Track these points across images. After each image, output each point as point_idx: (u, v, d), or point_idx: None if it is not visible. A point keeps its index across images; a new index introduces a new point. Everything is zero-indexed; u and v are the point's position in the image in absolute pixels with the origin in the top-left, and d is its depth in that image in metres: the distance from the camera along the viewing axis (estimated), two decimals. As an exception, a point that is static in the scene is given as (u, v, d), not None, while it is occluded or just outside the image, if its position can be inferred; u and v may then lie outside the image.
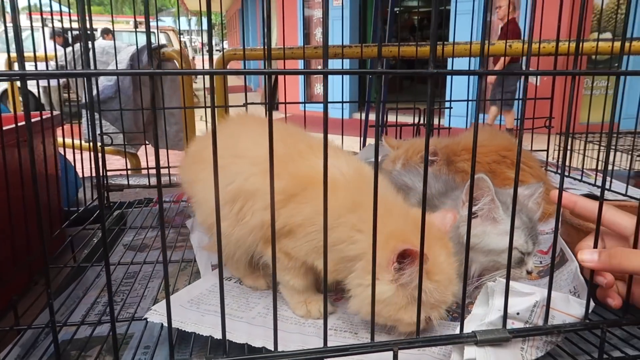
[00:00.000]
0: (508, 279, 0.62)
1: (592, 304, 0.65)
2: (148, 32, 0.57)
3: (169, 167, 1.45)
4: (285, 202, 0.72)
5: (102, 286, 0.96)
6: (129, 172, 1.56)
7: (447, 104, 1.76)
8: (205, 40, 0.48)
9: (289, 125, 0.89)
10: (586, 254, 0.64)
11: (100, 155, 1.38)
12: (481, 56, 0.55)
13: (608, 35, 5.52)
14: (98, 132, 1.45)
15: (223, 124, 0.97)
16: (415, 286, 0.62)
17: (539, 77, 0.71)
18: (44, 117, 1.05)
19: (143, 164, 2.42)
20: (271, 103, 0.50)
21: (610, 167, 1.85)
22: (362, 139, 2.14)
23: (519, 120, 0.64)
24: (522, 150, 1.38)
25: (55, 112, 1.14)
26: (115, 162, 1.43)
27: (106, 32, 5.87)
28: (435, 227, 0.72)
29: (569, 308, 0.65)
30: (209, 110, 1.69)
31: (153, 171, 1.61)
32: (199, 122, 2.35)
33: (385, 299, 0.67)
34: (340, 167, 0.74)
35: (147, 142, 1.67)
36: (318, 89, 7.65)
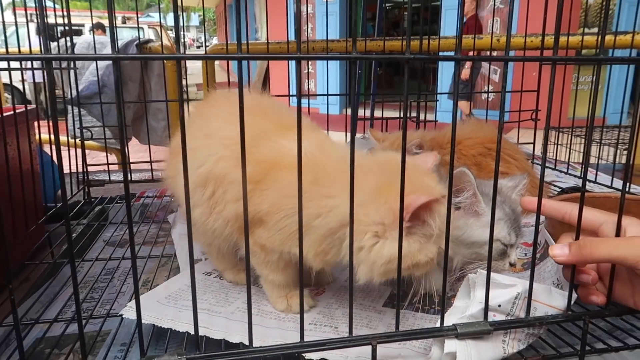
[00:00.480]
0: (489, 270, 0.61)
1: (574, 295, 0.64)
2: (138, 26, 0.55)
3: (150, 162, 1.42)
4: (252, 191, 0.68)
5: (79, 282, 0.93)
6: (115, 167, 1.54)
7: (431, 98, 1.74)
8: (195, 36, 0.47)
9: (266, 99, 0.84)
10: (556, 249, 0.63)
11: (81, 150, 1.35)
12: (458, 43, 0.54)
13: (595, 30, 5.57)
14: (79, 126, 1.42)
15: (202, 103, 0.94)
16: (424, 226, 0.61)
17: (498, 72, 0.70)
18: (17, 111, 1.02)
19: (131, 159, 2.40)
20: (240, 91, 0.48)
21: (596, 161, 1.85)
22: (346, 132, 2.12)
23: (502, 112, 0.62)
24: (508, 143, 1.38)
25: (30, 107, 1.11)
26: (102, 159, 1.40)
27: (97, 28, 5.78)
28: (421, 167, 0.70)
29: (551, 300, 0.64)
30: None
31: (134, 166, 1.58)
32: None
33: (405, 254, 0.62)
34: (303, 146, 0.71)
35: (129, 138, 1.64)
36: (310, 84, 7.63)
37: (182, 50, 0.49)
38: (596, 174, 1.41)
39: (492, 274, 0.62)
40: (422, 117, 1.60)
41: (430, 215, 0.62)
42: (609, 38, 1.67)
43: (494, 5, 5.92)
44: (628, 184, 1.26)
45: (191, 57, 0.51)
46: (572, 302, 0.64)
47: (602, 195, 1.01)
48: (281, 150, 0.70)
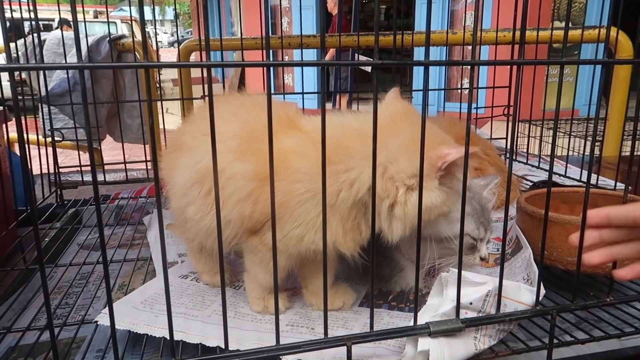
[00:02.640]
0: (460, 268, 0.62)
1: (542, 290, 0.66)
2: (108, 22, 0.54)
3: (125, 163, 1.40)
4: (260, 188, 0.67)
5: (53, 288, 0.92)
6: (89, 167, 1.51)
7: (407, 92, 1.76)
8: (170, 30, 0.46)
9: (262, 97, 0.84)
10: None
11: (52, 152, 1.32)
12: (427, 45, 0.55)
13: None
14: (53, 126, 1.39)
15: (202, 105, 0.93)
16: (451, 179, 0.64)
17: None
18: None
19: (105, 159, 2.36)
20: (210, 98, 0.48)
21: (566, 153, 1.90)
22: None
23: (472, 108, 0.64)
24: (481, 140, 1.40)
25: (-2, 108, 1.08)
26: (76, 158, 1.36)
27: (63, 23, 5.65)
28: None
29: (521, 296, 0.66)
30: (173, 103, 1.65)
31: (108, 167, 1.56)
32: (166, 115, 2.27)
33: (437, 204, 0.65)
34: (305, 129, 0.71)
35: (101, 138, 1.61)
36: (287, 79, 7.59)
37: (153, 56, 0.49)
38: (566, 167, 1.45)
39: (464, 273, 0.64)
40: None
41: (457, 169, 0.65)
42: (577, 33, 1.71)
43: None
44: (596, 177, 1.30)
45: (157, 65, 0.51)
46: (541, 297, 0.66)
47: (570, 190, 1.04)
48: (285, 142, 0.68)
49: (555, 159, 1.60)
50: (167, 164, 0.82)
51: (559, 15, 5.54)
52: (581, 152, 2.64)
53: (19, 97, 1.30)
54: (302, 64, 0.53)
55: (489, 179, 0.86)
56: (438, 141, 0.66)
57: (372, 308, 0.60)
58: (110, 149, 2.61)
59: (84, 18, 1.78)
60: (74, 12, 0.45)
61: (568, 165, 1.51)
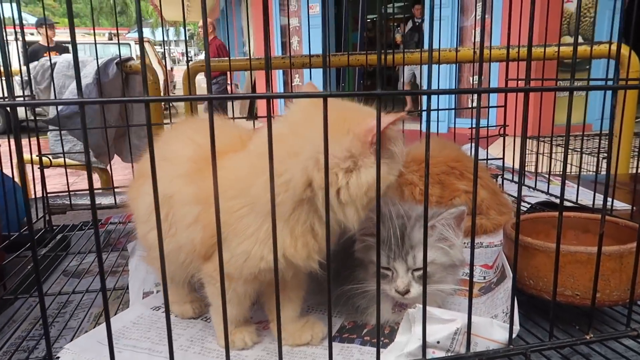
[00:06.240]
0: (424, 305, 0.59)
1: (516, 327, 0.63)
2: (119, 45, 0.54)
3: (113, 188, 1.40)
4: (204, 213, 0.67)
5: (24, 318, 0.90)
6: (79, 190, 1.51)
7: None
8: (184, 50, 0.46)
9: (221, 121, 0.82)
10: None
11: (40, 177, 1.32)
12: (429, 66, 0.53)
13: (579, 38, 5.60)
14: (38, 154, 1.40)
15: (167, 130, 0.93)
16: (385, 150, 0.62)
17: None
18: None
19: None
20: (212, 130, 0.48)
21: (574, 171, 1.84)
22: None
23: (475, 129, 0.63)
24: (470, 160, 1.36)
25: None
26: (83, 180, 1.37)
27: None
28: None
29: (492, 333, 0.62)
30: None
31: (100, 191, 1.56)
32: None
33: (384, 177, 0.63)
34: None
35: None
36: (296, 81, 7.68)
37: (170, 67, 0.47)
38: (562, 189, 1.40)
39: (431, 309, 0.61)
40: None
41: (388, 140, 0.64)
42: (587, 49, 1.68)
43: (476, 15, 5.97)
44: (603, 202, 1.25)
45: (157, 99, 0.51)
46: (514, 334, 0.62)
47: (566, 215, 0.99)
48: (226, 163, 0.67)
49: (554, 177, 1.54)
50: (133, 192, 0.82)
51: (569, 29, 5.49)
52: (589, 169, 2.58)
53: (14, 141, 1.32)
54: (303, 95, 0.52)
55: (453, 210, 0.78)
56: (363, 116, 0.63)
57: (330, 343, 0.57)
58: (122, 169, 2.62)
59: (95, 40, 1.80)
60: (76, 58, 0.44)
61: (567, 183, 1.46)
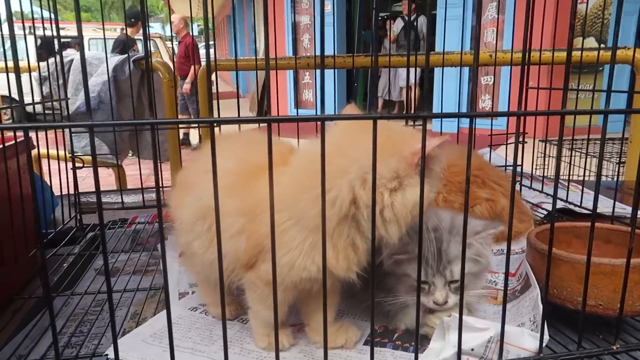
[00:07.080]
0: (461, 315, 0.62)
1: (546, 337, 0.66)
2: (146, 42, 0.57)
3: (142, 188, 1.44)
4: (248, 223, 0.71)
5: (69, 315, 0.95)
6: (109, 188, 1.55)
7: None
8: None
9: (260, 135, 0.87)
10: None
11: (73, 178, 1.36)
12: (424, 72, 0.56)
13: (592, 40, 5.57)
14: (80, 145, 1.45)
15: (207, 143, 0.97)
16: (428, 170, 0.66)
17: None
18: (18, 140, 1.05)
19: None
20: (213, 155, 0.51)
21: (587, 177, 1.86)
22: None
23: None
24: (493, 169, 1.39)
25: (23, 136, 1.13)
26: (103, 176, 1.41)
27: (77, 44, 5.81)
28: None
29: (523, 342, 0.66)
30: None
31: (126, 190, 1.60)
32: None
33: (427, 195, 0.66)
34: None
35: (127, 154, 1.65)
36: (306, 94, 7.68)
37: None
38: (595, 204, 1.42)
39: (466, 318, 0.64)
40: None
41: (432, 161, 0.68)
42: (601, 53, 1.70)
43: (491, 15, 5.95)
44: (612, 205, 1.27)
45: (164, 122, 0.54)
46: (545, 343, 0.66)
47: (583, 224, 1.02)
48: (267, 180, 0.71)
49: (573, 184, 1.55)
50: (175, 201, 0.86)
51: (584, 31, 5.46)
52: (608, 175, 2.57)
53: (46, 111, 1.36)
54: (301, 119, 0.55)
55: (488, 225, 0.82)
56: (407, 137, 0.68)
57: (372, 346, 0.61)
58: (129, 165, 2.66)
59: (104, 36, 1.84)
60: (85, 72, 0.48)
61: (585, 190, 1.48)
